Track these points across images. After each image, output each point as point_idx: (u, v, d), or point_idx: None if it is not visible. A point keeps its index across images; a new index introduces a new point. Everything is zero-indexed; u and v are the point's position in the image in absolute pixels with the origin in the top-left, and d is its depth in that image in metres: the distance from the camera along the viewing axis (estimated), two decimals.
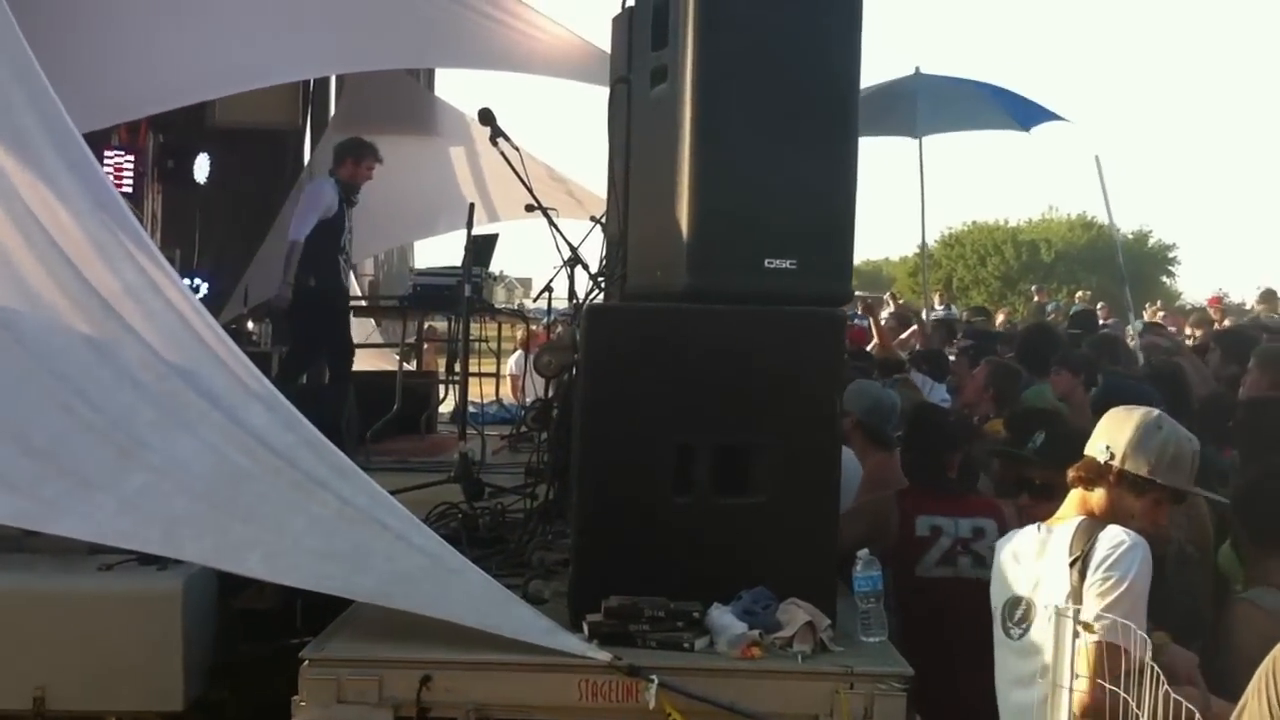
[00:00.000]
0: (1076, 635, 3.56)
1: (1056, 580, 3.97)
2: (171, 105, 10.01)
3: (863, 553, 4.76)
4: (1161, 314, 20.45)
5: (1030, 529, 4.24)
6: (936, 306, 21.74)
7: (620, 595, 4.54)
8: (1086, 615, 3.70)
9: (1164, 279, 57.66)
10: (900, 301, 21.47)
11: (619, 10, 5.83)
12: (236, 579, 4.91)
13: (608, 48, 6.35)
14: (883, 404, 6.84)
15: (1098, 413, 6.14)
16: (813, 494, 4.83)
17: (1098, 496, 4.12)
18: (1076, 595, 3.85)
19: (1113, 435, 4.15)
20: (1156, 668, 3.22)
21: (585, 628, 4.50)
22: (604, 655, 4.34)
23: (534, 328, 12.08)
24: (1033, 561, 4.11)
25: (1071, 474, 4.19)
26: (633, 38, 5.38)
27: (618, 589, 4.58)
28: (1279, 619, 4.41)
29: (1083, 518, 4.07)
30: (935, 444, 5.96)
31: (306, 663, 4.37)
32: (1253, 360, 8.34)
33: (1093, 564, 3.86)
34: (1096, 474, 4.12)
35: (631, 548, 4.73)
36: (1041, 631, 3.95)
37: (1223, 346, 10.33)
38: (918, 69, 13.63)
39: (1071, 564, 3.91)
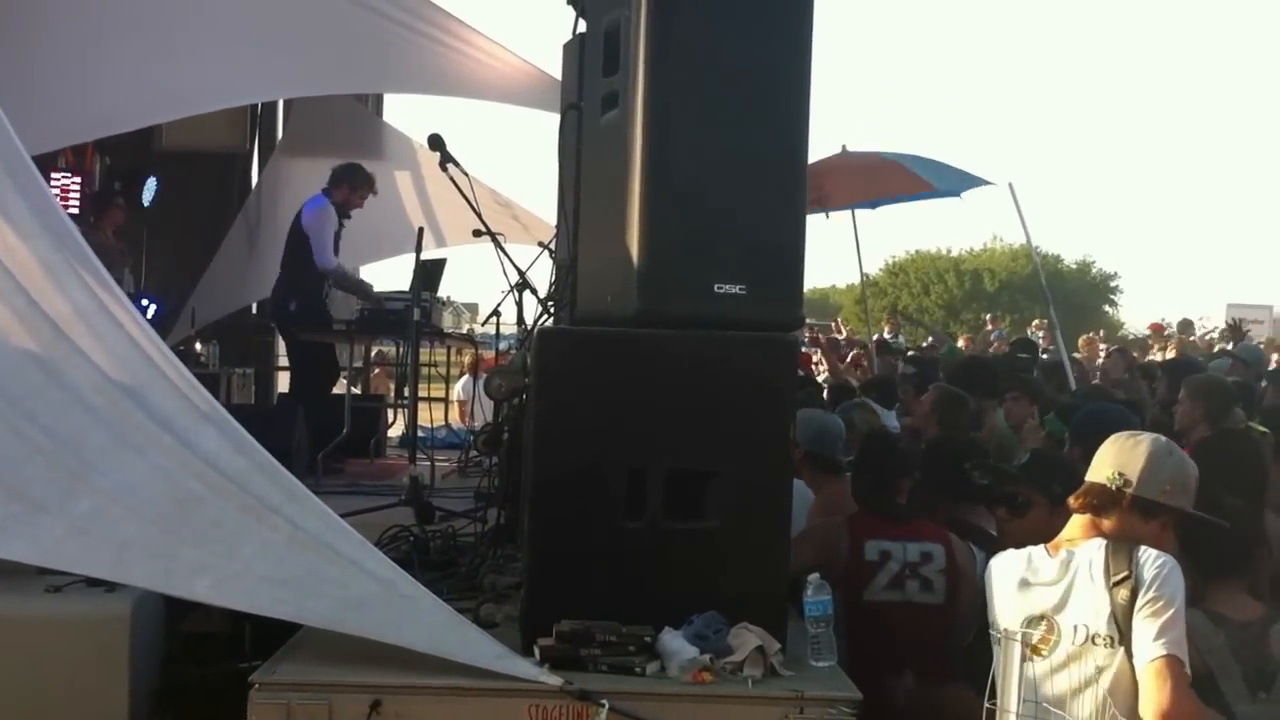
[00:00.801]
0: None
1: (1089, 599, 4.01)
2: (120, 129, 9.96)
3: (813, 577, 4.77)
4: (1105, 345, 20.62)
5: (1036, 550, 4.24)
6: (885, 334, 21.88)
7: (572, 619, 4.55)
8: (1140, 634, 3.88)
9: (1106, 308, 58.19)
10: (848, 327, 21.60)
11: (570, 37, 5.86)
12: (185, 601, 4.86)
13: (559, 75, 6.37)
14: (829, 430, 6.82)
15: (1082, 438, 6.21)
16: (764, 518, 4.84)
17: (1109, 522, 4.14)
18: (1124, 613, 3.91)
19: (1123, 462, 4.16)
20: None
21: (536, 652, 4.50)
22: (555, 680, 4.34)
23: (482, 353, 12.05)
24: (1053, 582, 4.12)
25: (1077, 501, 4.21)
26: (584, 64, 5.39)
27: (569, 613, 4.58)
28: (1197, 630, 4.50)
29: (1103, 540, 4.09)
30: (885, 469, 5.97)
31: (255, 687, 4.34)
32: (1183, 390, 8.38)
33: (1143, 585, 3.91)
34: (1108, 500, 4.14)
35: (583, 572, 4.74)
36: (1072, 648, 4.03)
37: (1169, 376, 10.43)
38: (844, 147, 13.63)
39: (1117, 583, 3.95)
